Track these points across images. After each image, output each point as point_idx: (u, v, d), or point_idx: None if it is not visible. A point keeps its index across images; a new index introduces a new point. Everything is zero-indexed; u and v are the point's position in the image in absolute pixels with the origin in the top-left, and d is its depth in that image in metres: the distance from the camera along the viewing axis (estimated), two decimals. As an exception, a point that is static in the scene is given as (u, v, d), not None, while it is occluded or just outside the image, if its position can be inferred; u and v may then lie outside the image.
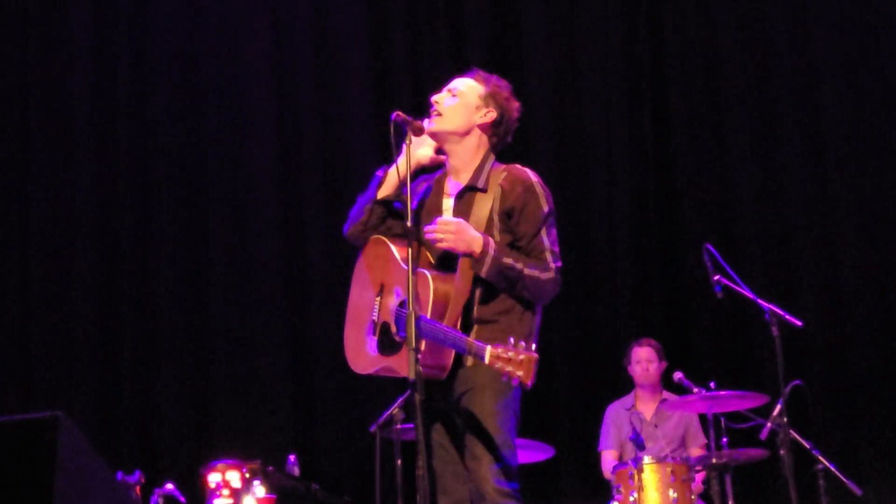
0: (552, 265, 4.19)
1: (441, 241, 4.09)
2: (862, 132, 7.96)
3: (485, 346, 3.80)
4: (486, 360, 3.78)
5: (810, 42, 8.13)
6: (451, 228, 4.09)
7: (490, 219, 4.21)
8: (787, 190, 8.03)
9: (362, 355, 4.29)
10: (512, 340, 3.79)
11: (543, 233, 4.22)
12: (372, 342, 4.24)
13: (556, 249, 4.23)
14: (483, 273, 4.08)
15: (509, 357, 3.75)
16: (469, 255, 4.08)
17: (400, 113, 4.16)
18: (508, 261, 4.10)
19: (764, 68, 8.18)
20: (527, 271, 4.12)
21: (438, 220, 4.14)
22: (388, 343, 4.18)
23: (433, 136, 4.33)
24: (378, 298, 4.26)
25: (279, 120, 8.53)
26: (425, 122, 4.29)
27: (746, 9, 8.27)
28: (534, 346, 3.81)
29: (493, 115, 4.33)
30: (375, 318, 4.25)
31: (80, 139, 8.48)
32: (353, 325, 4.38)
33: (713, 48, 8.31)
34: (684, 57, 8.35)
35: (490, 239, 4.13)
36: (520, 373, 3.74)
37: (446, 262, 4.19)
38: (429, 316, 3.95)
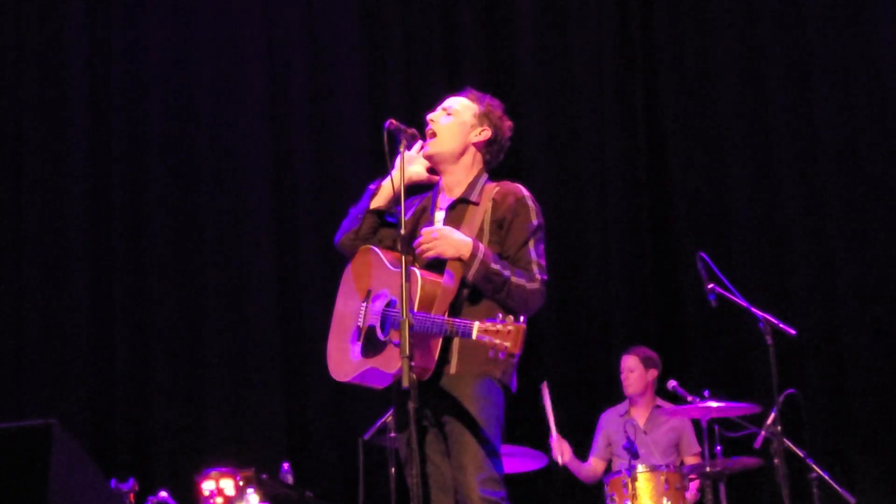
0: (538, 277, 4.19)
1: (427, 250, 4.11)
2: (857, 141, 7.96)
3: (471, 322, 3.82)
4: (474, 335, 3.79)
5: (805, 51, 8.14)
6: (434, 235, 4.12)
7: (481, 230, 4.23)
8: (781, 198, 8.03)
9: (345, 362, 4.27)
10: (500, 315, 3.81)
11: (531, 245, 4.24)
12: (356, 348, 4.23)
13: (543, 263, 4.25)
14: (470, 276, 4.09)
15: (497, 329, 3.76)
16: (458, 259, 4.09)
17: (393, 121, 4.18)
18: (496, 267, 4.11)
19: (758, 80, 8.19)
20: (513, 279, 4.12)
21: (423, 230, 4.17)
22: (372, 345, 4.17)
23: (429, 157, 4.36)
24: (364, 304, 4.26)
25: (272, 131, 8.53)
26: (417, 144, 4.34)
27: (740, 24, 8.28)
28: (522, 319, 3.81)
29: (487, 133, 4.38)
30: (361, 323, 4.24)
31: (73, 144, 8.48)
32: (336, 336, 4.37)
33: (707, 60, 8.32)
34: (678, 68, 8.36)
35: (480, 244, 4.14)
36: (507, 343, 3.74)
37: (436, 271, 4.19)
38: (415, 310, 3.95)
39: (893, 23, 7.97)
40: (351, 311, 4.32)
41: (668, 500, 6.31)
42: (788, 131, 8.08)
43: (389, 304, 4.14)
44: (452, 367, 4.13)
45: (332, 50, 8.58)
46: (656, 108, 8.35)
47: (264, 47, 8.61)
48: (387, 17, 8.61)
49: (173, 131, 8.55)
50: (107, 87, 8.59)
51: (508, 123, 4.46)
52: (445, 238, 4.11)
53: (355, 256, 4.40)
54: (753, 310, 6.13)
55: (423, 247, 4.12)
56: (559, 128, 8.41)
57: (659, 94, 8.36)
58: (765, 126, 8.14)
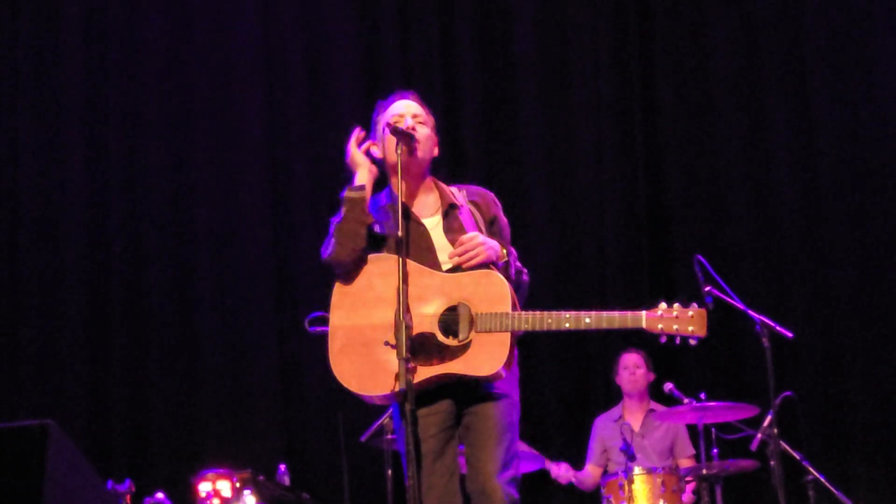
0: (524, 270, 4.30)
1: (474, 256, 4.08)
2: (855, 144, 7.98)
3: (637, 313, 4.01)
4: (644, 324, 3.98)
5: (802, 56, 8.16)
6: (479, 241, 4.11)
7: (480, 230, 4.24)
8: (778, 201, 8.05)
9: (387, 374, 4.02)
10: (664, 304, 3.97)
11: (509, 241, 4.33)
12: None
13: None
14: (513, 274, 4.16)
15: (675, 315, 3.95)
16: (495, 261, 4.11)
17: (390, 123, 4.26)
18: (519, 264, 4.23)
19: (755, 84, 8.20)
20: (524, 276, 4.27)
21: (462, 238, 4.12)
22: (432, 350, 4.02)
23: (415, 162, 4.27)
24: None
25: (270, 131, 8.52)
26: (354, 142, 4.45)
27: (738, 31, 8.30)
28: (696, 304, 3.99)
29: (437, 151, 4.39)
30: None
31: (70, 145, 8.47)
32: (356, 349, 4.12)
33: (705, 66, 8.33)
34: (676, 74, 8.37)
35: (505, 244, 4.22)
36: (691, 328, 3.93)
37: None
38: (509, 310, 3.99)
39: (892, 25, 7.98)
40: (377, 322, 4.11)
41: (664, 502, 6.32)
42: (785, 135, 8.10)
43: (451, 309, 4.04)
44: None
45: (331, 50, 8.58)
46: (654, 113, 8.36)
47: (262, 48, 8.61)
48: (385, 19, 8.60)
49: (169, 129, 8.54)
50: (104, 88, 8.59)
51: None
52: (486, 242, 4.12)
53: (365, 267, 4.21)
54: (750, 312, 6.13)
55: (471, 253, 4.08)
56: (556, 134, 8.40)
57: (656, 99, 8.37)
58: (762, 129, 8.16)
